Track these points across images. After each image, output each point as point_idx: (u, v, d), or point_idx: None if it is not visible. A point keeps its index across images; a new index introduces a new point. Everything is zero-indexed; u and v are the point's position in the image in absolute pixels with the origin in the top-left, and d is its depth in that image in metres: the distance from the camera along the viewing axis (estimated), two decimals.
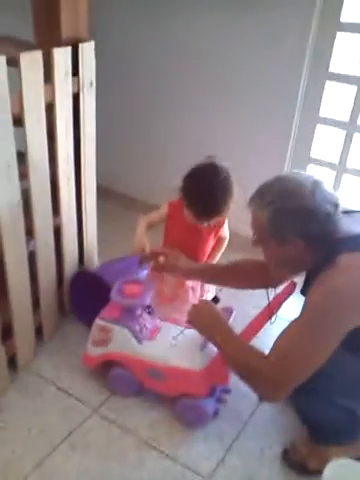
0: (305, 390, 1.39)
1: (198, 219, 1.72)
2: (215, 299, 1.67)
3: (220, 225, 1.85)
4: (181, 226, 1.80)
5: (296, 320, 1.31)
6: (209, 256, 1.93)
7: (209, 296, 1.95)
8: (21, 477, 1.48)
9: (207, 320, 1.49)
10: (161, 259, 1.76)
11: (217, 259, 1.95)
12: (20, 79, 1.44)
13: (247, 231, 1.47)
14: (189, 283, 1.92)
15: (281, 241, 1.33)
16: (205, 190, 1.64)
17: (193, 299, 1.91)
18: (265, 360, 1.31)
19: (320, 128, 2.35)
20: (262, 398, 1.47)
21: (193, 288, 1.93)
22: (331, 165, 2.40)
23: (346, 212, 1.41)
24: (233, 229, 1.96)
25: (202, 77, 2.49)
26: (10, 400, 1.71)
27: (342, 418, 1.49)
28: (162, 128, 2.74)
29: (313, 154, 2.42)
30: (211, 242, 1.90)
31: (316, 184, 1.30)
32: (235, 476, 1.53)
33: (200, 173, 1.67)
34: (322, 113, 2.31)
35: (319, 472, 1.41)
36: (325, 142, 2.44)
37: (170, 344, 1.65)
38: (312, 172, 2.41)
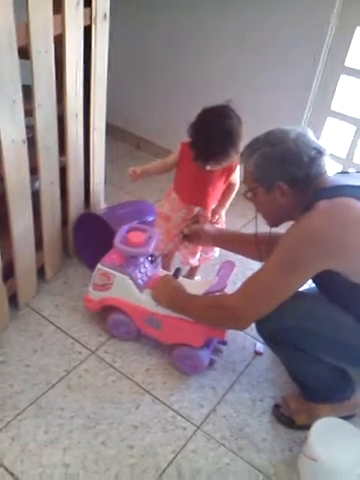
0: (292, 347, 1.42)
1: (196, 161, 1.67)
2: (177, 271, 1.70)
3: (231, 170, 1.78)
4: (191, 168, 1.74)
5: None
6: (219, 202, 1.88)
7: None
8: (18, 410, 1.53)
9: (169, 295, 1.59)
10: (185, 230, 1.76)
11: (227, 205, 1.90)
12: (27, 7, 1.34)
13: None
14: None
15: (268, 186, 1.38)
16: (203, 132, 1.61)
17: None
18: (229, 294, 1.47)
19: (344, 79, 2.22)
20: (227, 327, 1.62)
21: None
22: (352, 120, 2.28)
23: (344, 172, 1.50)
24: None
25: (224, 18, 2.34)
26: (10, 337, 1.74)
27: (330, 377, 1.51)
28: (179, 68, 2.61)
29: (334, 107, 2.30)
30: (221, 187, 1.84)
31: (300, 133, 1.35)
32: (225, 425, 1.57)
33: (206, 114, 1.63)
34: (348, 64, 2.17)
35: (307, 428, 1.45)
36: (348, 96, 2.31)
37: None
38: (331, 125, 2.33)
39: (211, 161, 1.65)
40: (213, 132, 1.59)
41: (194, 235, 1.78)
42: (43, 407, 1.55)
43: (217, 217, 1.88)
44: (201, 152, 1.64)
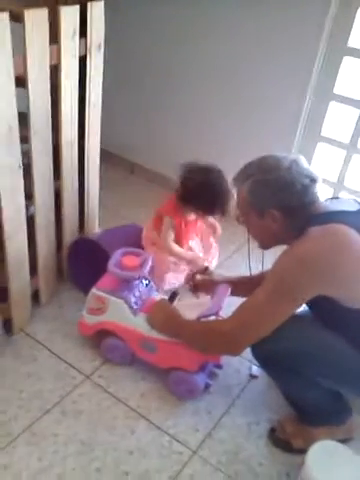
0: (288, 370, 1.42)
1: (205, 214, 1.91)
2: (173, 294, 1.73)
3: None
4: (182, 224, 1.93)
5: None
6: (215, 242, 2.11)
7: (213, 263, 2.08)
8: (11, 437, 1.50)
9: (163, 319, 1.61)
10: (196, 278, 1.84)
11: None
12: (24, 38, 1.38)
13: None
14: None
15: (260, 212, 1.40)
16: (217, 193, 1.82)
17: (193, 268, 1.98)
18: (222, 320, 1.50)
19: (333, 106, 2.28)
20: (221, 353, 1.63)
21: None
22: (342, 145, 2.34)
23: (335, 198, 1.52)
24: None
25: (217, 45, 2.41)
26: (4, 362, 1.73)
27: (326, 400, 1.51)
28: (171, 94, 2.67)
29: (324, 133, 2.35)
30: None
31: (293, 160, 1.37)
32: (221, 450, 1.56)
33: (207, 178, 1.82)
34: (336, 91, 2.24)
35: (303, 451, 1.44)
36: (337, 121, 2.37)
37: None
38: (321, 151, 2.38)
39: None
40: (225, 191, 1.82)
41: (201, 287, 1.83)
42: (37, 434, 1.53)
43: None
44: (212, 210, 1.88)
